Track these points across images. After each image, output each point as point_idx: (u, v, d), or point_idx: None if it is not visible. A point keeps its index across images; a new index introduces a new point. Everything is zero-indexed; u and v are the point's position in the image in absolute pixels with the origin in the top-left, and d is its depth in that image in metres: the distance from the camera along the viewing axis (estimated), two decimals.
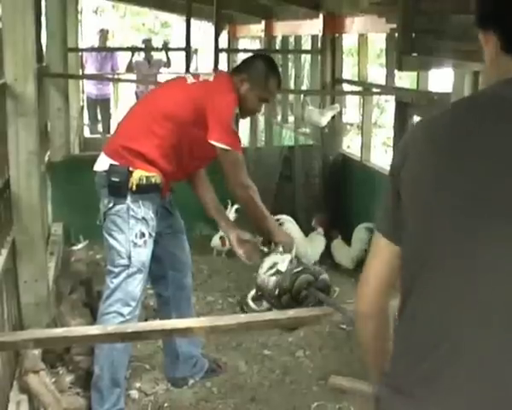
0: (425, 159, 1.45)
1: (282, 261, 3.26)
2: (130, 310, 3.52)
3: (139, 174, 3.48)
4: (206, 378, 4.14)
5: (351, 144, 9.96)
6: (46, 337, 2.65)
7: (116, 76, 11.17)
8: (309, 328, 4.73)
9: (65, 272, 5.22)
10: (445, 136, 1.42)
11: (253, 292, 3.31)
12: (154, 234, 3.59)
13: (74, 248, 6.09)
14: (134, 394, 4.01)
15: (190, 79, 3.66)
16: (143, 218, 3.50)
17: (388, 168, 1.60)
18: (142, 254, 3.53)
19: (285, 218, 5.83)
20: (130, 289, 3.52)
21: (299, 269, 3.15)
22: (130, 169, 3.48)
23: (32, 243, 3.92)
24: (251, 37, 10.90)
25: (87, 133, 10.58)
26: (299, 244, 5.87)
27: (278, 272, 3.19)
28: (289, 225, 5.80)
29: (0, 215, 3.70)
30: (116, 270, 3.53)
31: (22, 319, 3.97)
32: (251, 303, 4.70)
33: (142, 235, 3.51)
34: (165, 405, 3.93)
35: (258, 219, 3.63)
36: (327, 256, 6.07)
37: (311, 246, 5.94)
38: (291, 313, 2.86)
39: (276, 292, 3.11)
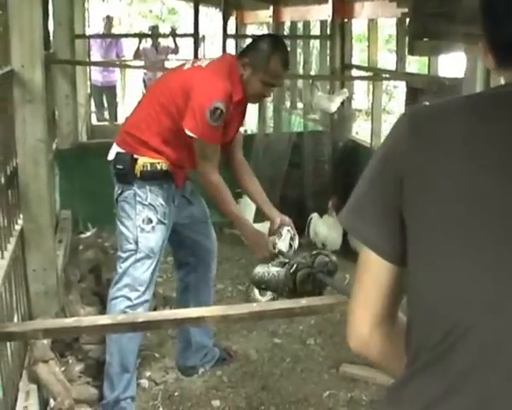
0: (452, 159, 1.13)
1: (282, 241, 3.36)
2: (138, 295, 3.51)
3: (143, 161, 3.49)
4: (216, 367, 4.12)
5: (359, 130, 9.90)
6: (55, 327, 2.63)
7: (124, 63, 11.13)
8: (320, 316, 4.69)
9: (73, 260, 5.19)
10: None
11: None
12: (166, 221, 3.57)
13: (83, 235, 6.08)
14: (144, 383, 3.99)
15: (188, 65, 3.61)
16: (150, 204, 3.50)
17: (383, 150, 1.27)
18: (151, 240, 3.52)
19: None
20: (138, 274, 3.52)
21: (293, 269, 3.11)
22: (135, 156, 3.50)
23: (40, 231, 3.89)
24: (259, 23, 10.85)
25: (94, 121, 10.55)
26: (321, 232, 5.88)
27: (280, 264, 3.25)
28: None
29: (8, 203, 3.66)
30: (124, 255, 3.54)
31: (31, 308, 3.95)
32: (258, 296, 4.69)
33: (150, 221, 3.50)
34: (176, 394, 3.91)
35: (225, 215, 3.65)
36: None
37: (333, 231, 5.88)
38: (303, 302, 2.82)
39: (286, 289, 3.13)
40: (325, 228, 5.89)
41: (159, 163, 3.50)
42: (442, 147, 1.14)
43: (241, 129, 3.92)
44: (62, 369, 3.72)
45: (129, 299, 3.51)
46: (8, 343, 3.31)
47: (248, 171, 3.80)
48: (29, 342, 3.57)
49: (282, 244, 3.35)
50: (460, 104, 1.20)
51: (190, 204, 3.83)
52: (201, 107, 3.32)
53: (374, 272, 1.25)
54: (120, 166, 3.50)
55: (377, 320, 1.28)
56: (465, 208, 1.11)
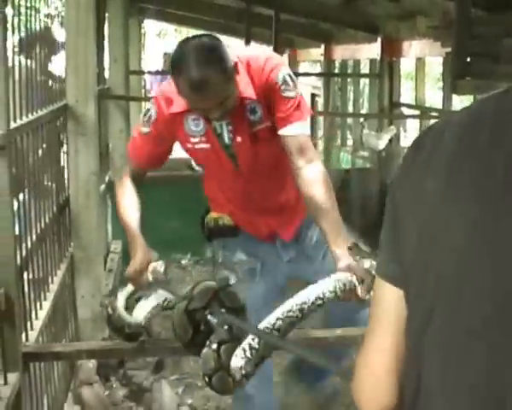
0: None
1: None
2: None
3: (209, 217, 2.90)
4: None
5: None
6: (99, 349, 2.73)
7: None
8: None
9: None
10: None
11: None
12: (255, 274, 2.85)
13: None
14: None
15: None
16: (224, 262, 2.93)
17: None
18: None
19: None
20: None
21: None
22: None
23: (89, 259, 4.04)
24: (311, 60, 11.00)
25: None
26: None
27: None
28: None
29: (59, 231, 3.82)
30: None
31: (79, 334, 4.08)
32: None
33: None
34: None
35: None
36: None
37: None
38: (339, 331, 2.74)
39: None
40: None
41: (220, 218, 2.86)
42: (431, 167, 1.07)
43: None
44: (106, 393, 3.84)
45: None
46: (55, 366, 3.44)
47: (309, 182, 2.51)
48: (75, 366, 3.70)
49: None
50: (458, 118, 1.09)
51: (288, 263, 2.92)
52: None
53: (385, 305, 1.14)
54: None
55: (396, 369, 1.12)
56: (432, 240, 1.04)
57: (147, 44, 11.46)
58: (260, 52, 2.55)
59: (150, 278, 2.42)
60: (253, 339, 1.99)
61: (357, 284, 2.15)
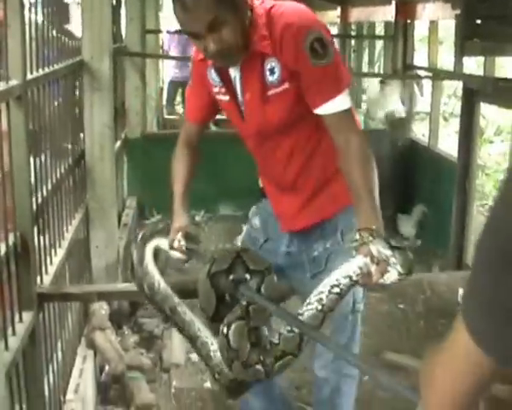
0: None
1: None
2: None
3: None
4: None
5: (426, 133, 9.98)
6: (109, 291, 2.87)
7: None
8: (370, 307, 4.87)
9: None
10: None
11: None
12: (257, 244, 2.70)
13: (147, 222, 6.37)
14: (194, 357, 4.22)
15: None
16: None
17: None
18: None
19: None
20: None
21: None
22: None
23: (103, 210, 4.18)
24: (328, 22, 11.00)
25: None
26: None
27: None
28: None
29: (75, 183, 3.95)
30: None
31: (92, 282, 4.23)
32: None
33: None
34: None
35: None
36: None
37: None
38: None
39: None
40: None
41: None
42: None
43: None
44: (118, 339, 3.99)
45: None
46: (69, 312, 3.60)
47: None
48: (89, 312, 3.85)
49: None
50: None
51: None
52: None
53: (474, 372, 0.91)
54: None
55: None
56: None
57: (165, 4, 11.43)
58: (287, 9, 2.24)
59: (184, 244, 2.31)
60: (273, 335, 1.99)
61: (371, 266, 1.95)
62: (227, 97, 2.37)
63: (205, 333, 2.17)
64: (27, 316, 2.64)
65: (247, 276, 2.12)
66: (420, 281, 3.10)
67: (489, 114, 9.79)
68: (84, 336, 3.84)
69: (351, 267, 2.00)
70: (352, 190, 2.14)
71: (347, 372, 2.68)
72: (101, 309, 3.84)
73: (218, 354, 2.06)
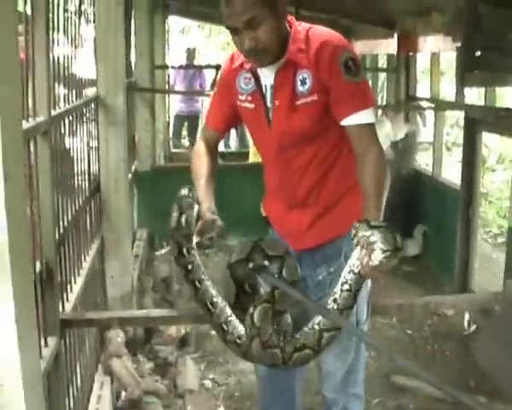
0: None
1: None
2: None
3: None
4: None
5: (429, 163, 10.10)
6: (128, 317, 2.97)
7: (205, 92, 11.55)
8: (377, 332, 4.97)
9: (148, 271, 5.59)
10: None
11: None
12: None
13: (157, 253, 6.49)
14: (208, 383, 4.34)
15: None
16: None
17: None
18: None
19: None
20: None
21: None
22: None
23: (118, 241, 4.29)
24: None
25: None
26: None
27: None
28: None
29: (91, 214, 4.07)
30: None
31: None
32: None
33: None
34: (236, 394, 4.24)
35: None
36: None
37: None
38: None
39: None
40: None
41: None
42: None
43: None
44: (134, 366, 4.09)
45: None
46: (87, 339, 3.71)
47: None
48: (105, 340, 3.96)
49: None
50: None
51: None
52: None
53: None
54: None
55: None
56: None
57: (170, 40, 11.65)
58: (325, 31, 2.40)
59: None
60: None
61: (365, 258, 2.02)
62: (253, 105, 2.51)
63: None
64: (52, 341, 2.75)
65: (266, 262, 2.21)
66: (427, 304, 3.21)
67: (491, 142, 9.94)
68: (102, 362, 3.94)
69: (351, 261, 2.13)
70: (363, 193, 2.29)
71: (355, 392, 2.81)
72: (118, 337, 3.95)
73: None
